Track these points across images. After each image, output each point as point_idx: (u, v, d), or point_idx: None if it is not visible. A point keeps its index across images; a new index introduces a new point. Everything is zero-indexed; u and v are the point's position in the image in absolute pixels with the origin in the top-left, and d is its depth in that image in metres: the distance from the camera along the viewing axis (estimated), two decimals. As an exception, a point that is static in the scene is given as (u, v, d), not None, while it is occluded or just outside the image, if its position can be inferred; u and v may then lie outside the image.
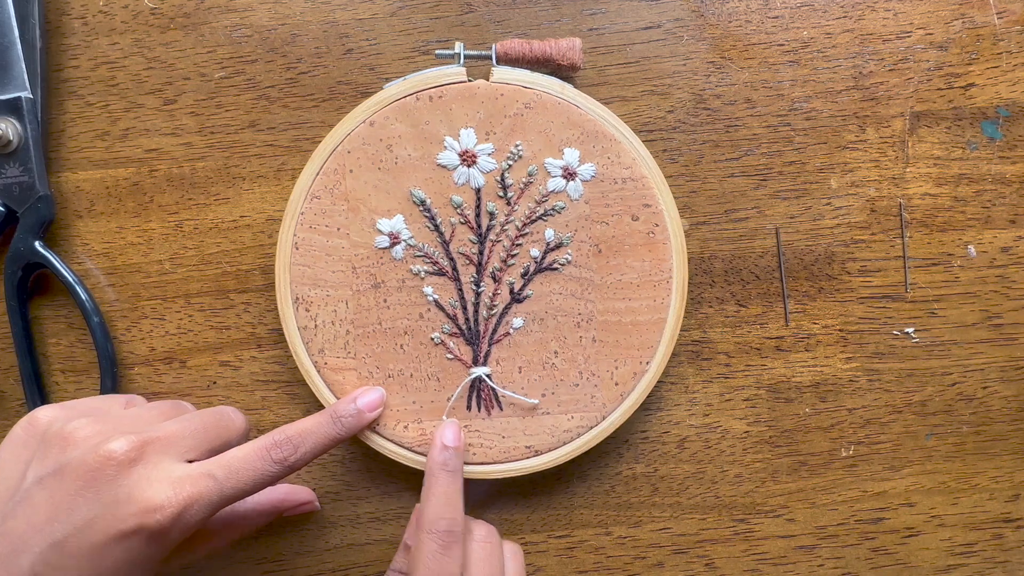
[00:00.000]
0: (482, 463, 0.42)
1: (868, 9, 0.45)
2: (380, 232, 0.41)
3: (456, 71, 0.40)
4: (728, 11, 0.45)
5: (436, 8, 0.45)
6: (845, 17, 0.45)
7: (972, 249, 0.46)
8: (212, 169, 0.45)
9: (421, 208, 0.41)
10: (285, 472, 0.36)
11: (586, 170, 0.41)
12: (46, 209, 0.43)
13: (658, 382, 0.45)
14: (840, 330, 0.46)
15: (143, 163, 0.45)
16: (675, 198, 0.42)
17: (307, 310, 0.41)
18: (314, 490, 0.45)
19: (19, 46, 0.43)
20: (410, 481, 0.46)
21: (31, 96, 0.43)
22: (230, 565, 0.46)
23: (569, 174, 0.41)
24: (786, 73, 0.45)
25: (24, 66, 0.43)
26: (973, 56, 0.46)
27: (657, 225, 0.41)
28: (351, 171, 0.41)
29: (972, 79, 0.46)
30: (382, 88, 0.41)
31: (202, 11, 0.45)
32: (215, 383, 0.45)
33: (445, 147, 0.41)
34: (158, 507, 0.31)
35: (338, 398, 0.41)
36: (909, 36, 0.45)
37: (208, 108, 0.45)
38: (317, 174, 0.41)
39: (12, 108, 0.43)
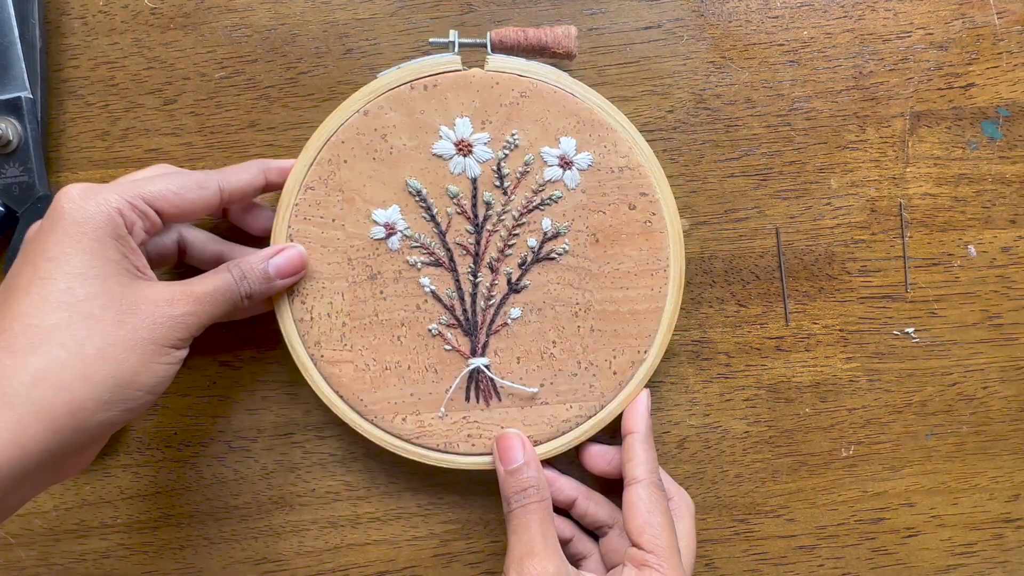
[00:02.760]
0: (481, 454, 0.42)
1: (868, 9, 0.45)
2: (376, 223, 0.41)
3: (451, 59, 0.40)
4: (728, 11, 0.45)
5: (436, 8, 0.45)
6: (845, 17, 0.45)
7: (972, 249, 0.46)
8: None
9: (417, 198, 0.41)
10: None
11: (583, 159, 0.41)
12: (46, 209, 0.43)
13: (658, 382, 0.46)
14: (840, 330, 0.46)
15: (143, 163, 0.45)
16: (675, 198, 0.42)
17: (303, 302, 0.41)
18: (313, 490, 0.46)
19: (19, 46, 0.43)
20: (411, 481, 0.46)
21: (31, 96, 0.43)
22: (230, 565, 0.46)
23: (566, 163, 0.41)
24: (786, 73, 0.45)
25: (24, 66, 0.43)
26: (973, 56, 0.46)
27: (654, 214, 0.41)
28: (345, 161, 0.40)
29: (972, 79, 0.46)
30: (376, 77, 0.40)
31: (202, 11, 0.45)
32: (215, 383, 0.45)
33: (440, 136, 0.40)
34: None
35: (336, 391, 0.41)
36: (909, 36, 0.45)
37: (208, 108, 0.45)
38: (311, 165, 0.40)
39: (12, 108, 0.43)
